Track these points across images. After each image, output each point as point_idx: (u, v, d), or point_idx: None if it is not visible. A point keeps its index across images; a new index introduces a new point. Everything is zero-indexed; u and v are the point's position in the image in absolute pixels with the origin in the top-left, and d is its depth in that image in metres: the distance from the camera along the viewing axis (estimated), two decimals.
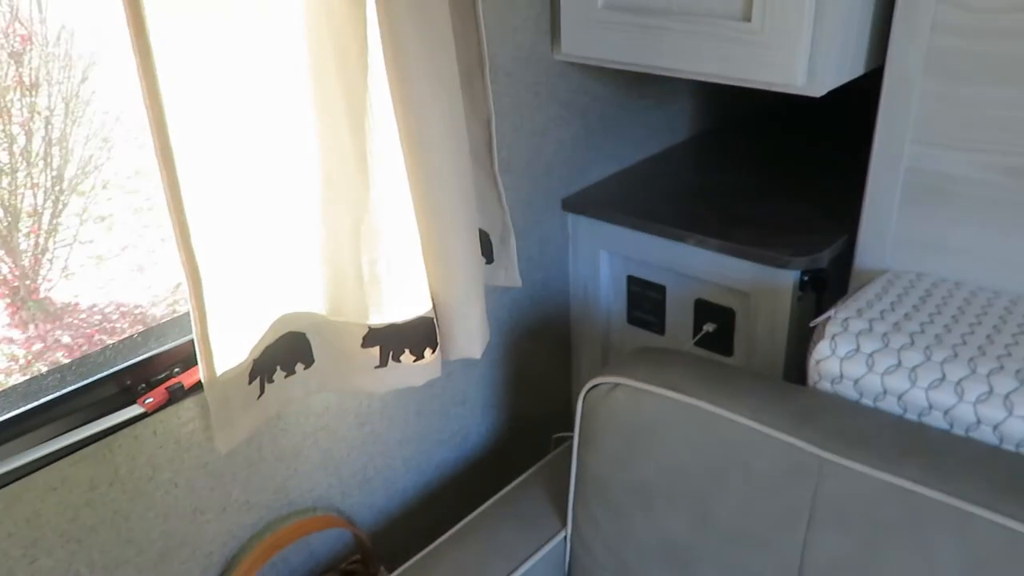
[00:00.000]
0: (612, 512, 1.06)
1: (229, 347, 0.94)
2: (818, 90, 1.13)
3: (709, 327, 1.45)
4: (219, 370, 0.94)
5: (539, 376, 1.63)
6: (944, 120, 1.11)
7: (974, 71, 1.07)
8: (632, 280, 1.53)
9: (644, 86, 1.62)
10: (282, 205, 0.96)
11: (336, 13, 0.91)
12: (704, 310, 1.45)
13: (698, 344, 1.48)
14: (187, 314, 1.04)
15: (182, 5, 0.80)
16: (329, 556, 1.31)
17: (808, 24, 1.09)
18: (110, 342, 0.99)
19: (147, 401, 0.96)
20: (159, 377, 1.00)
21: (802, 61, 1.11)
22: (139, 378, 0.98)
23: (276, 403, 1.06)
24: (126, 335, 1.02)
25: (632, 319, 1.57)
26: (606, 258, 1.54)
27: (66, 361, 0.97)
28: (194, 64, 0.83)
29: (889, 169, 1.18)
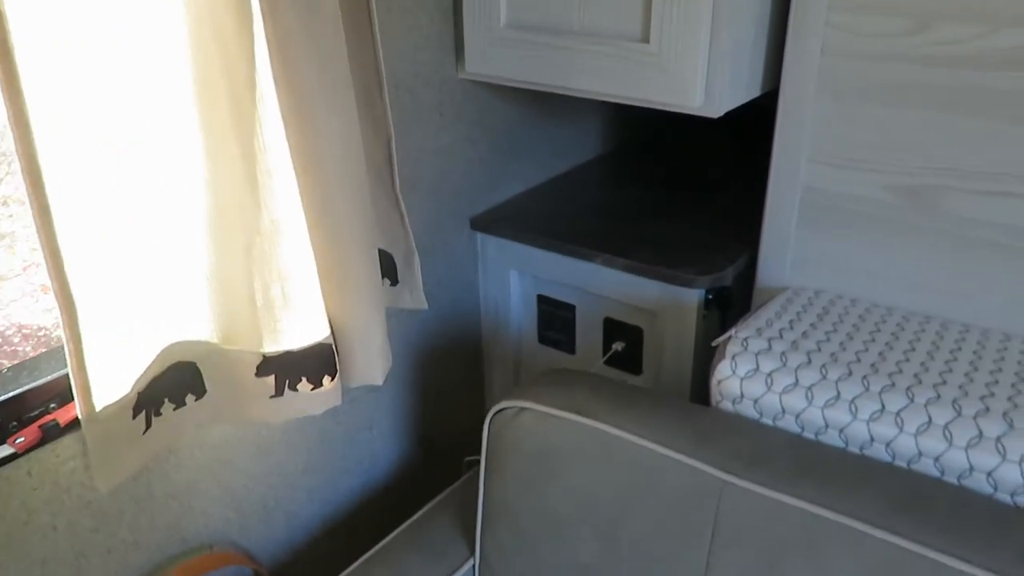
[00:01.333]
0: (520, 539, 1.04)
1: (109, 380, 0.89)
2: (715, 111, 1.14)
3: (618, 346, 1.45)
4: (98, 405, 0.88)
5: (451, 398, 1.60)
6: (836, 140, 1.14)
7: (861, 92, 1.10)
8: (542, 299, 1.52)
9: (551, 105, 1.62)
10: (168, 229, 0.92)
11: (222, 29, 0.87)
12: (613, 329, 1.45)
13: (608, 363, 1.47)
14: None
15: (53, 19, 0.76)
16: None
17: (704, 47, 1.10)
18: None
19: (18, 441, 0.89)
20: (32, 414, 0.93)
21: (699, 83, 1.12)
22: (10, 416, 0.92)
23: (165, 437, 1.00)
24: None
25: (543, 339, 1.56)
26: (516, 278, 1.53)
27: None
28: (66, 77, 0.78)
29: (787, 188, 1.20)
